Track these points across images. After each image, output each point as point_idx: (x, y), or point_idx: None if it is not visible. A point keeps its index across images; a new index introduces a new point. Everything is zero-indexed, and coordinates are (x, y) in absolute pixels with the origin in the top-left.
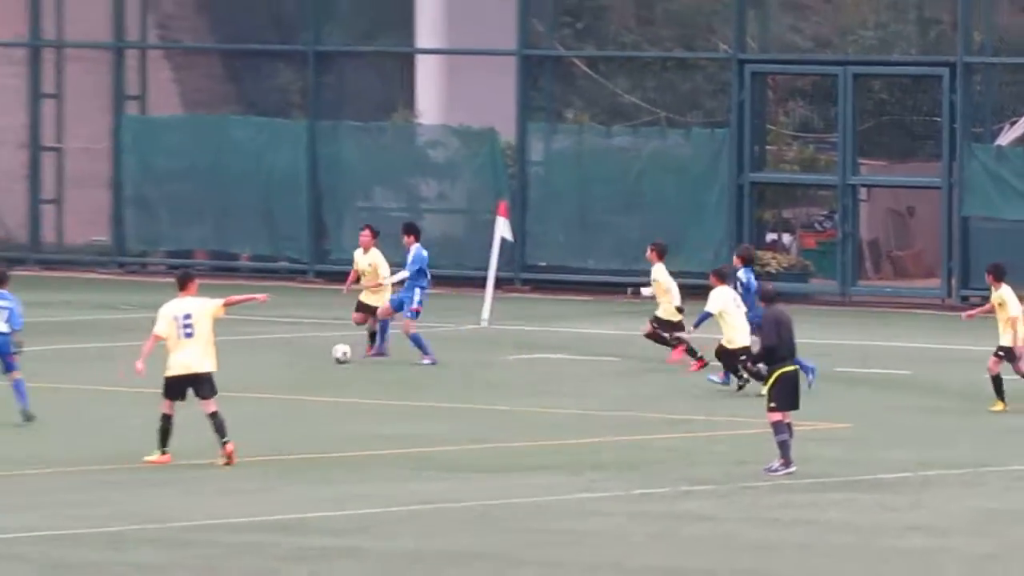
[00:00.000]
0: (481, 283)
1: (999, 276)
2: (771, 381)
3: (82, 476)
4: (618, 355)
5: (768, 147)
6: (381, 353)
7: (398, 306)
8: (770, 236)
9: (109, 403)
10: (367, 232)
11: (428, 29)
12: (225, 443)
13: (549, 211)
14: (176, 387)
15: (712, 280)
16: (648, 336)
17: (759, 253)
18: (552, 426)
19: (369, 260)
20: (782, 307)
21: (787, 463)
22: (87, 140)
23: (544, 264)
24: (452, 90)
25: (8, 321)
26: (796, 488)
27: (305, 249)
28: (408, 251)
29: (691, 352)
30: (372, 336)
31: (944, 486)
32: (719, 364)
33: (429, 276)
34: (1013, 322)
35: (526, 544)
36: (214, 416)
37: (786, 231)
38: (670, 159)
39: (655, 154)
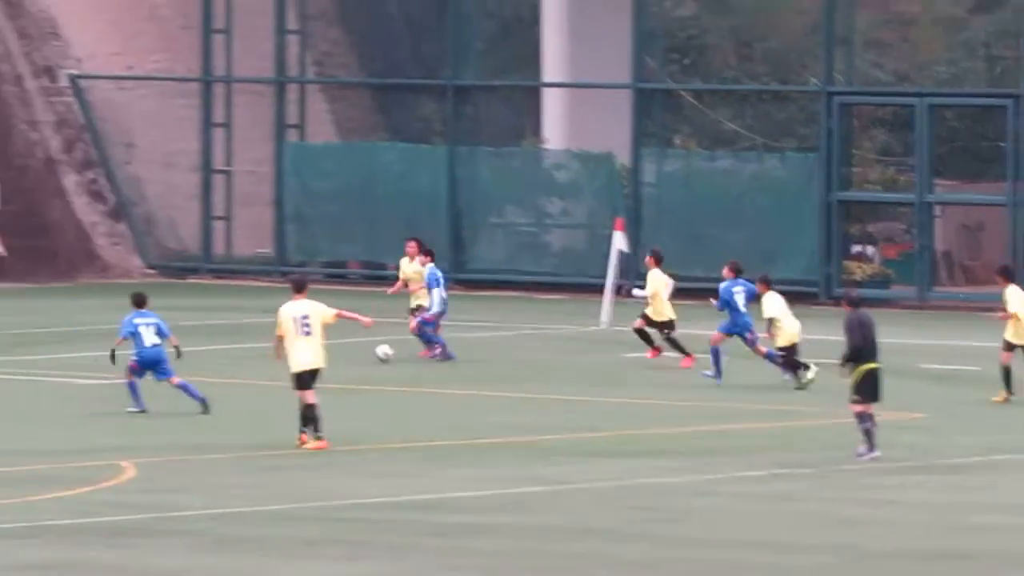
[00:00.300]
0: (600, 290)
1: (1009, 277)
2: (856, 377)
3: (246, 461)
4: (723, 352)
5: (853, 169)
6: (447, 356)
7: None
8: (855, 248)
9: (271, 396)
10: (413, 244)
11: (553, 65)
12: (302, 432)
13: (660, 226)
14: (303, 380)
15: (759, 287)
16: (636, 330)
17: (846, 263)
18: (663, 415)
19: (414, 268)
20: (865, 311)
21: (871, 448)
22: (252, 164)
23: None
24: (574, 119)
25: (158, 334)
26: (881, 471)
27: (445, 260)
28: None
29: (680, 349)
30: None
31: (1013, 469)
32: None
33: (442, 289)
34: (1004, 318)
35: (640, 521)
36: (310, 407)
37: (870, 243)
38: (767, 180)
39: (754, 176)
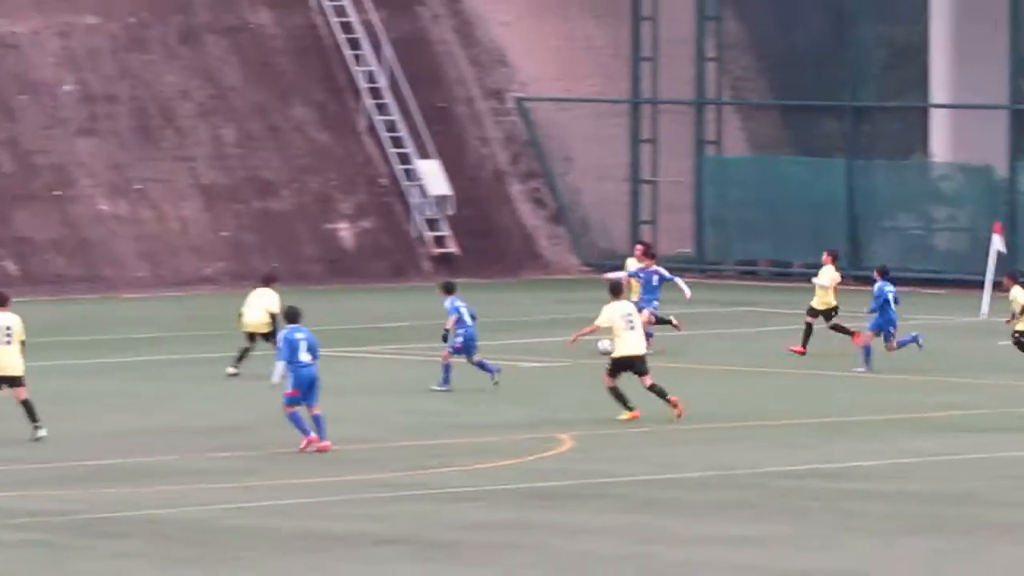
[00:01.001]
0: (981, 286)
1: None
2: None
3: (667, 434)
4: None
5: None
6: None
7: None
8: None
9: (702, 378)
10: (640, 247)
11: (940, 87)
12: (669, 399)
13: None
14: (621, 366)
15: (1007, 282)
16: (834, 328)
17: None
18: None
19: (637, 268)
20: None
21: None
22: (675, 175)
23: None
24: (958, 135)
25: (471, 316)
26: None
27: (844, 259)
28: (651, 269)
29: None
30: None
31: None
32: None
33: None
34: None
35: (1008, 488)
36: (652, 387)
37: None
38: None
39: None
